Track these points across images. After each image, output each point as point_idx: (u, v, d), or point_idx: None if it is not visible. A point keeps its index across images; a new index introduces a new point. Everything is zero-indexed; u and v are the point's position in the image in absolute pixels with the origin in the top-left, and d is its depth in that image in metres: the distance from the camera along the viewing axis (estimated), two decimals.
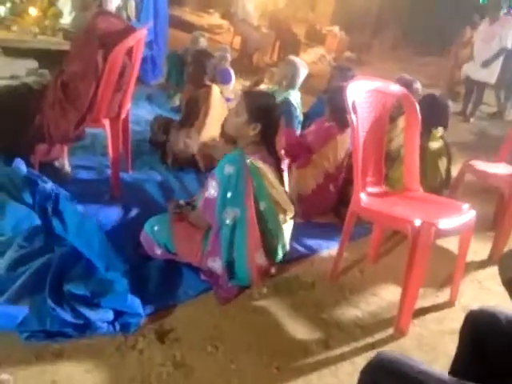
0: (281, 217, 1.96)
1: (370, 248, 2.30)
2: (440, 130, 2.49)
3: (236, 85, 4.72)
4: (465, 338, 1.16)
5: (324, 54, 8.11)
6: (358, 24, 9.04)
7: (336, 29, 8.60)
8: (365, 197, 1.95)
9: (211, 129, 3.03)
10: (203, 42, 4.17)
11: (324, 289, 2.06)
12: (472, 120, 5.70)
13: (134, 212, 2.40)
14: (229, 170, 1.86)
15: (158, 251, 1.98)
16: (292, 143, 2.45)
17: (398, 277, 1.96)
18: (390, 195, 2.09)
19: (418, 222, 1.72)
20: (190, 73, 3.25)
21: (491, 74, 5.40)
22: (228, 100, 3.86)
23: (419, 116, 2.13)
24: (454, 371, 1.19)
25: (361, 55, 8.68)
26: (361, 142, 1.98)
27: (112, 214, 2.32)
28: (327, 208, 2.63)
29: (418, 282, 1.78)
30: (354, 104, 1.95)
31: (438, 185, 2.64)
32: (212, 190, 1.89)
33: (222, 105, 3.16)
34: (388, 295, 2.08)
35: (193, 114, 3.01)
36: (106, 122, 2.37)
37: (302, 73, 3.12)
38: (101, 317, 1.57)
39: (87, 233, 1.78)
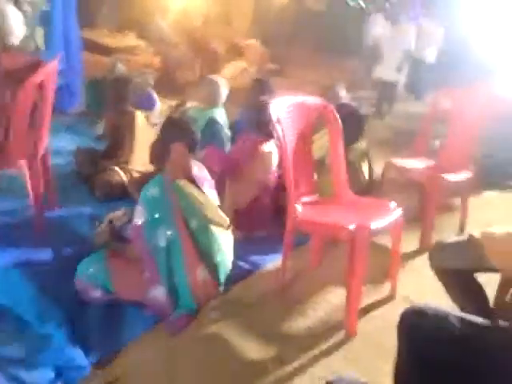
0: (216, 231, 1.95)
1: (310, 255, 2.36)
2: (360, 143, 2.64)
3: (162, 105, 4.65)
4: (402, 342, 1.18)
5: (245, 67, 8.27)
6: (275, 35, 9.35)
7: (255, 41, 8.82)
8: (300, 209, 2.00)
9: (140, 156, 2.96)
10: (121, 68, 4.08)
11: (272, 304, 2.07)
12: (387, 117, 6.11)
13: (65, 253, 2.27)
14: (152, 192, 1.87)
15: (97, 294, 1.88)
16: (218, 160, 2.47)
17: (341, 278, 2.02)
18: (322, 203, 2.16)
19: (352, 227, 1.80)
20: (110, 101, 3.16)
21: (400, 75, 5.85)
22: (156, 125, 3.80)
23: (340, 125, 2.25)
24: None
25: (282, 66, 8.97)
26: (289, 155, 2.04)
27: (41, 259, 2.17)
28: (266, 220, 2.67)
29: (360, 284, 1.86)
30: (278, 120, 2.00)
31: (365, 187, 2.78)
32: (138, 217, 1.87)
33: (148, 130, 3.10)
34: (334, 298, 2.13)
35: (118, 142, 2.92)
36: (23, 163, 2.22)
37: (223, 91, 3.16)
38: (39, 377, 1.45)
39: (11, 286, 1.64)
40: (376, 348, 1.84)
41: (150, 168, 3.02)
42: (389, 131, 5.57)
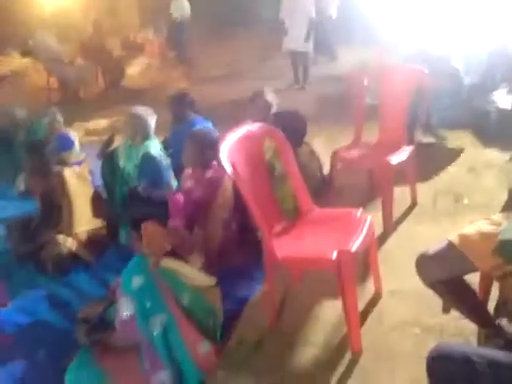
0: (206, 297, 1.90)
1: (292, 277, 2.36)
2: (305, 143, 2.62)
3: (78, 130, 4.27)
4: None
5: (149, 62, 7.84)
6: (166, 22, 8.86)
7: (150, 34, 8.33)
8: (276, 246, 1.97)
9: (81, 215, 2.74)
10: (21, 114, 3.67)
11: (271, 340, 2.06)
12: (307, 87, 6.17)
13: (36, 356, 2.02)
14: (137, 281, 1.76)
15: None
16: (183, 208, 2.35)
17: (328, 290, 2.03)
18: (293, 229, 2.14)
19: (334, 255, 1.80)
20: (30, 167, 2.83)
21: (309, 43, 5.88)
22: (79, 163, 3.49)
23: (288, 143, 2.22)
24: None
25: (185, 50, 8.60)
26: (249, 192, 1.98)
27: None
28: (236, 249, 2.61)
29: (356, 303, 1.90)
30: (231, 162, 1.93)
31: (320, 185, 2.81)
32: (125, 309, 1.76)
33: (81, 183, 2.85)
34: (329, 316, 2.15)
35: (54, 209, 2.66)
36: None
37: (151, 120, 2.95)
38: None
39: None
40: (383, 355, 1.91)
41: (96, 223, 2.83)
42: (316, 102, 5.60)
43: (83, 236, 2.72)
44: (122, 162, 2.93)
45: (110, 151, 3.02)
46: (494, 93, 3.99)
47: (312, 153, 2.81)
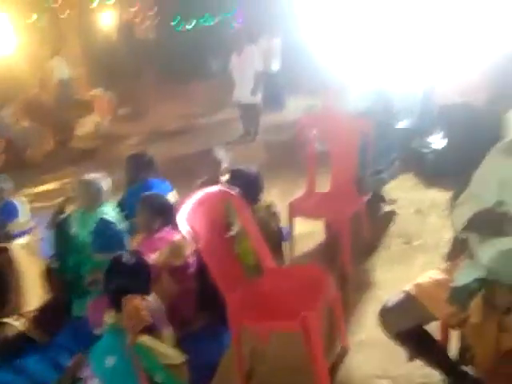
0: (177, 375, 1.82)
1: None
2: (262, 201, 2.67)
3: (26, 196, 4.08)
4: None
5: (98, 120, 7.78)
6: (117, 78, 8.96)
7: (99, 91, 8.34)
8: (241, 308, 1.95)
9: (32, 289, 2.58)
10: None
11: None
12: (258, 137, 6.35)
13: None
14: (111, 361, 1.67)
15: None
16: None
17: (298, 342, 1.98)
18: (256, 290, 2.12)
19: (300, 317, 1.80)
20: None
21: (257, 96, 6.13)
22: (24, 233, 3.32)
23: (245, 202, 2.25)
24: None
25: (136, 106, 8.66)
26: (210, 256, 1.97)
27: None
28: (196, 307, 2.54)
29: (324, 362, 1.89)
30: (190, 226, 1.92)
31: (279, 239, 2.83)
32: None
33: (31, 256, 2.70)
34: (303, 369, 2.04)
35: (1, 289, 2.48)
36: None
37: (105, 185, 2.89)
38: None
39: None
40: None
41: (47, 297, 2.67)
42: (267, 152, 5.75)
43: (33, 314, 2.54)
44: (74, 230, 2.82)
45: (62, 219, 2.91)
46: (430, 137, 4.29)
47: (269, 207, 2.85)
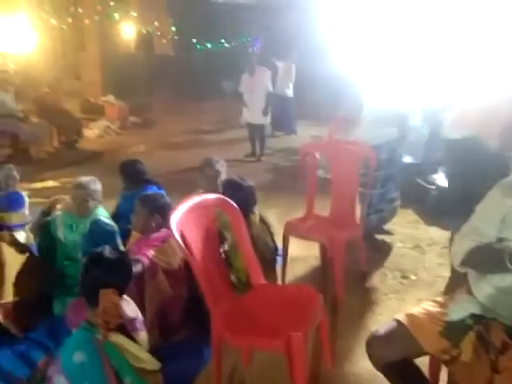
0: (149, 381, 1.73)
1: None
2: (256, 213, 2.62)
3: (24, 190, 4.04)
4: None
5: (108, 124, 7.85)
6: (130, 88, 9.08)
7: (111, 97, 8.44)
8: (226, 323, 1.87)
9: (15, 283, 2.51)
10: None
11: None
12: (263, 158, 6.36)
13: None
14: (79, 357, 1.58)
15: None
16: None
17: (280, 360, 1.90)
18: (243, 305, 2.05)
19: (284, 338, 1.72)
20: None
21: (267, 117, 6.18)
22: (23, 226, 3.27)
23: (240, 214, 2.20)
24: None
25: (146, 116, 8.74)
26: (200, 266, 1.91)
27: None
28: (184, 316, 2.46)
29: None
30: (180, 232, 1.87)
31: (271, 256, 2.77)
32: None
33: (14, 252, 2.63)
34: None
35: None
36: None
37: (98, 187, 2.85)
38: None
39: None
40: None
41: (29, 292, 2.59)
42: (271, 174, 5.75)
43: (9, 306, 2.46)
44: (60, 233, 2.76)
45: (46, 221, 2.83)
46: (434, 175, 4.27)
47: (262, 221, 2.80)
